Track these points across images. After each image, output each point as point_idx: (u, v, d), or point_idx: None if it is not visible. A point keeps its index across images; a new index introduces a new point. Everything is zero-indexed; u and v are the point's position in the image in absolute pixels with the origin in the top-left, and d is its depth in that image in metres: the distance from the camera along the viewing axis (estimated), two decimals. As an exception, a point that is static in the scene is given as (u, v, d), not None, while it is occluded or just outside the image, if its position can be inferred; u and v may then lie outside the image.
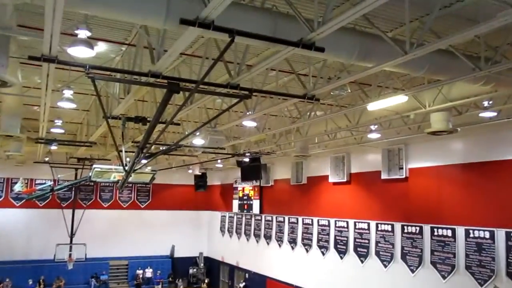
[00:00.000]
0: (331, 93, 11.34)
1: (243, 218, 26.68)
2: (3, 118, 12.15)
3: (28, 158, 21.70)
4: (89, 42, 6.41)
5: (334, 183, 19.11)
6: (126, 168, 10.54)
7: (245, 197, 26.26)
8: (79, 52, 6.53)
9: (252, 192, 25.50)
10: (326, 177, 19.41)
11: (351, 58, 6.83)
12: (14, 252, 25.26)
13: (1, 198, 26.32)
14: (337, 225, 18.69)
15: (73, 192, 27.12)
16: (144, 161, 11.43)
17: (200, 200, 31.06)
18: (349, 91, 11.22)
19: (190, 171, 27.29)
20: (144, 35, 7.21)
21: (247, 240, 25.88)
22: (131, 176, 10.99)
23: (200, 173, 28.03)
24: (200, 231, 31.32)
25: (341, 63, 9.26)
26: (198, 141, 14.45)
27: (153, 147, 12.23)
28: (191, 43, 8.47)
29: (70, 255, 23.93)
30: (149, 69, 7.21)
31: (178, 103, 11.51)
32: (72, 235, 25.10)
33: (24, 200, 25.40)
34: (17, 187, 22.94)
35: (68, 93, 10.35)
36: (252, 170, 22.21)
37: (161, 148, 14.25)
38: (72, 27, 6.81)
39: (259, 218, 24.80)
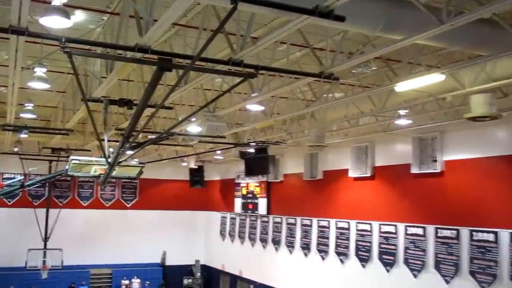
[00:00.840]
0: (353, 71, 11.31)
1: (247, 219, 26.79)
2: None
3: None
4: (64, 11, 6.41)
5: (355, 179, 19.11)
6: (109, 160, 10.61)
7: (249, 195, 26.35)
8: (53, 23, 6.53)
9: (257, 189, 25.58)
10: (346, 171, 19.41)
11: (376, 29, 6.80)
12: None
13: (-38, 195, 26.56)
14: (358, 228, 18.73)
15: (47, 188, 27.30)
16: (130, 152, 11.49)
17: (196, 198, 31.20)
18: (374, 68, 11.18)
19: (184, 164, 27.40)
20: (129, 2, 7.21)
21: (252, 245, 26.02)
22: (114, 169, 11.06)
23: (196, 167, 28.11)
24: (196, 235, 31.51)
25: (364, 35, 9.21)
26: (193, 128, 14.51)
27: (140, 135, 12.30)
28: (185, 11, 8.48)
29: (44, 262, 24.17)
30: (136, 43, 7.21)
31: (170, 83, 11.53)
32: (46, 239, 25.33)
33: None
34: (-19, 182, 23.14)
35: (40, 71, 10.38)
36: (258, 163, 22.23)
37: (149, 136, 14.31)
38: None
39: (266, 219, 24.89)
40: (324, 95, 12.45)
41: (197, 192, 30.57)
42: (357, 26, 6.89)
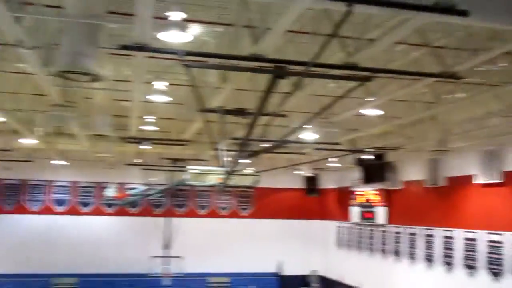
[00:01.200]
0: (477, 68, 10.72)
1: (365, 229, 26.30)
2: (92, 116, 13.34)
3: (118, 159, 23.52)
4: (183, 25, 6.77)
5: (483, 185, 18.03)
6: (226, 169, 10.97)
7: (367, 204, 25.86)
8: (172, 37, 6.92)
9: (375, 197, 25.01)
10: (473, 177, 18.40)
11: (505, 22, 6.40)
12: (106, 264, 27.56)
13: (92, 205, 28.92)
14: (488, 239, 17.63)
15: (166, 198, 28.81)
16: (245, 161, 11.80)
17: (311, 207, 31.19)
18: (503, 64, 10.51)
19: (298, 172, 27.54)
20: (242, 12, 7.44)
21: (371, 256, 25.49)
22: (231, 178, 11.42)
23: (311, 175, 28.11)
24: (312, 244, 31.43)
25: (491, 29, 8.70)
26: (308, 135, 14.56)
27: (255, 144, 12.58)
28: (297, 17, 8.57)
29: (165, 269, 25.51)
30: (250, 52, 7.42)
31: (282, 90, 11.68)
32: (167, 247, 26.73)
33: (115, 207, 27.63)
34: (109, 192, 25.04)
35: (160, 85, 11.02)
36: (376, 169, 21.82)
37: (264, 145, 14.57)
38: (163, 10, 7.23)
39: (385, 229, 24.26)
40: (447, 96, 11.93)
41: (312, 201, 30.56)
42: (483, 19, 6.52)
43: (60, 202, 28.89)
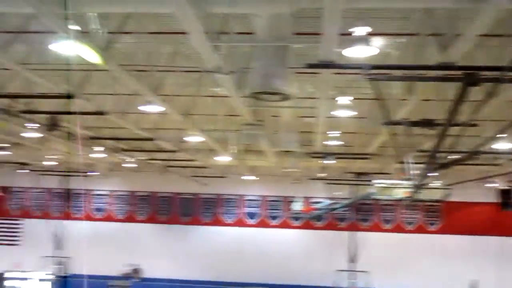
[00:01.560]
0: None
1: None
2: (280, 133, 13.93)
3: (303, 174, 24.15)
4: (367, 40, 6.77)
5: None
6: (413, 182, 10.61)
7: None
8: (357, 52, 6.96)
9: None
10: None
11: None
12: (294, 276, 28.30)
13: (280, 218, 30.07)
14: None
15: (350, 212, 28.73)
16: (433, 174, 11.28)
17: (507, 223, 28.55)
18: None
19: (491, 185, 25.43)
20: (427, 21, 7.17)
21: None
22: (419, 192, 10.99)
23: (506, 188, 25.81)
24: (509, 263, 28.64)
25: None
26: (503, 145, 13.45)
27: (443, 156, 11.93)
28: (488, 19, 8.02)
29: (351, 283, 25.37)
30: (437, 60, 7.12)
31: (472, 98, 10.94)
32: (352, 261, 26.57)
33: (301, 220, 28.37)
34: (296, 206, 25.85)
35: (344, 100, 11.12)
36: None
37: (454, 156, 13.78)
38: (347, 26, 7.30)
39: None
40: None
41: (508, 216, 27.94)
42: None
43: (251, 215, 30.60)
